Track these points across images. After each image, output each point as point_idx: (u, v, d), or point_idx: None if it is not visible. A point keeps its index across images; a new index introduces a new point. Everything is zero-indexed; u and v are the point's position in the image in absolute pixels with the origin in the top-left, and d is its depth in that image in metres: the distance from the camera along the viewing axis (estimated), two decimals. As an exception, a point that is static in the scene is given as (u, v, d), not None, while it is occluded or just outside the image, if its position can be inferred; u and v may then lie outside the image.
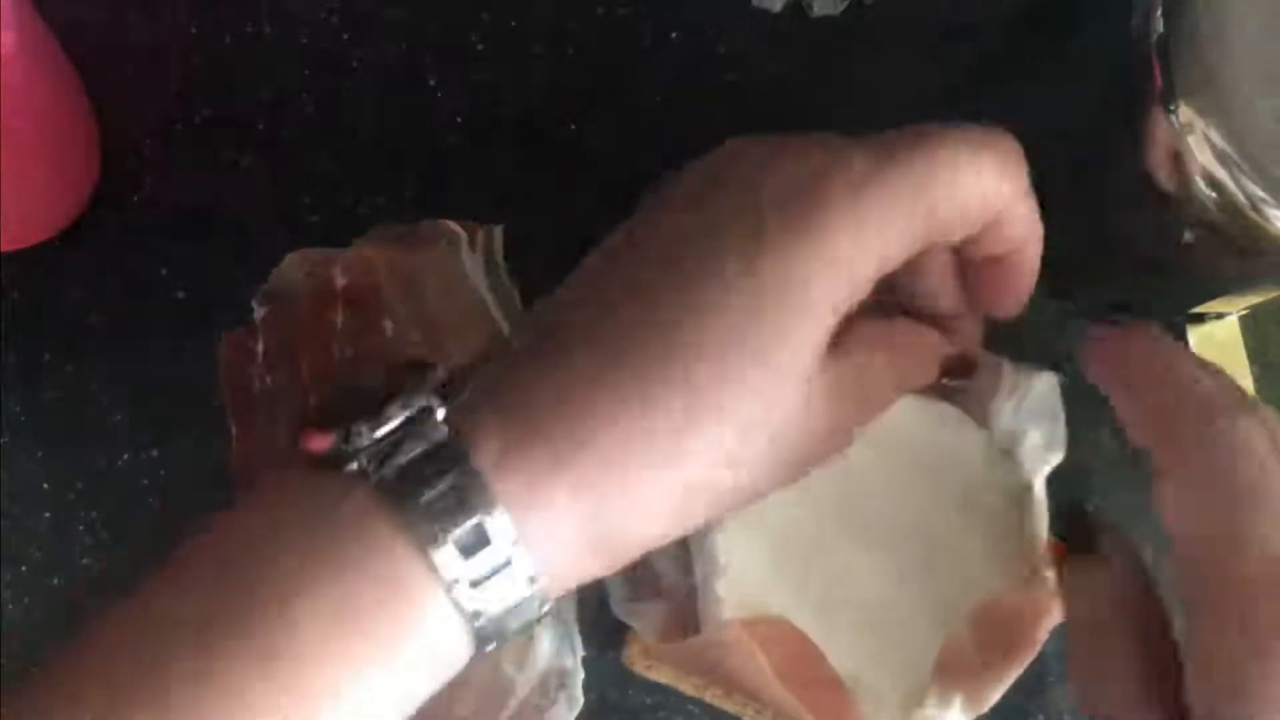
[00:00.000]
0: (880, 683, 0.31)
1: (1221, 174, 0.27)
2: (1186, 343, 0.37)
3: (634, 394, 0.23)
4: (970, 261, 0.28)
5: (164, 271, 0.40)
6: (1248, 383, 0.36)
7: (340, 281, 0.35)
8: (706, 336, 0.24)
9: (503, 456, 0.23)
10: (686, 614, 0.32)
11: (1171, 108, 0.27)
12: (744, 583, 0.31)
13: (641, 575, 0.34)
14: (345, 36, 0.39)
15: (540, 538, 0.23)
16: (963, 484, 0.32)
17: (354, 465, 0.23)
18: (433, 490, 0.22)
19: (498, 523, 0.23)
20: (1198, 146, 0.27)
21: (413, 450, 0.23)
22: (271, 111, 0.39)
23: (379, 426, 0.23)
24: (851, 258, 0.24)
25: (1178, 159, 0.27)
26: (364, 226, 0.37)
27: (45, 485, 0.40)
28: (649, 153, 0.39)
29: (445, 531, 0.22)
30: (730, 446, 0.24)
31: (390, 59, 0.39)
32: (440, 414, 0.23)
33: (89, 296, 0.40)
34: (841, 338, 0.25)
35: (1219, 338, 0.36)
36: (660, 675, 0.34)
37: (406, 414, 0.23)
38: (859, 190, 0.24)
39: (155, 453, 0.39)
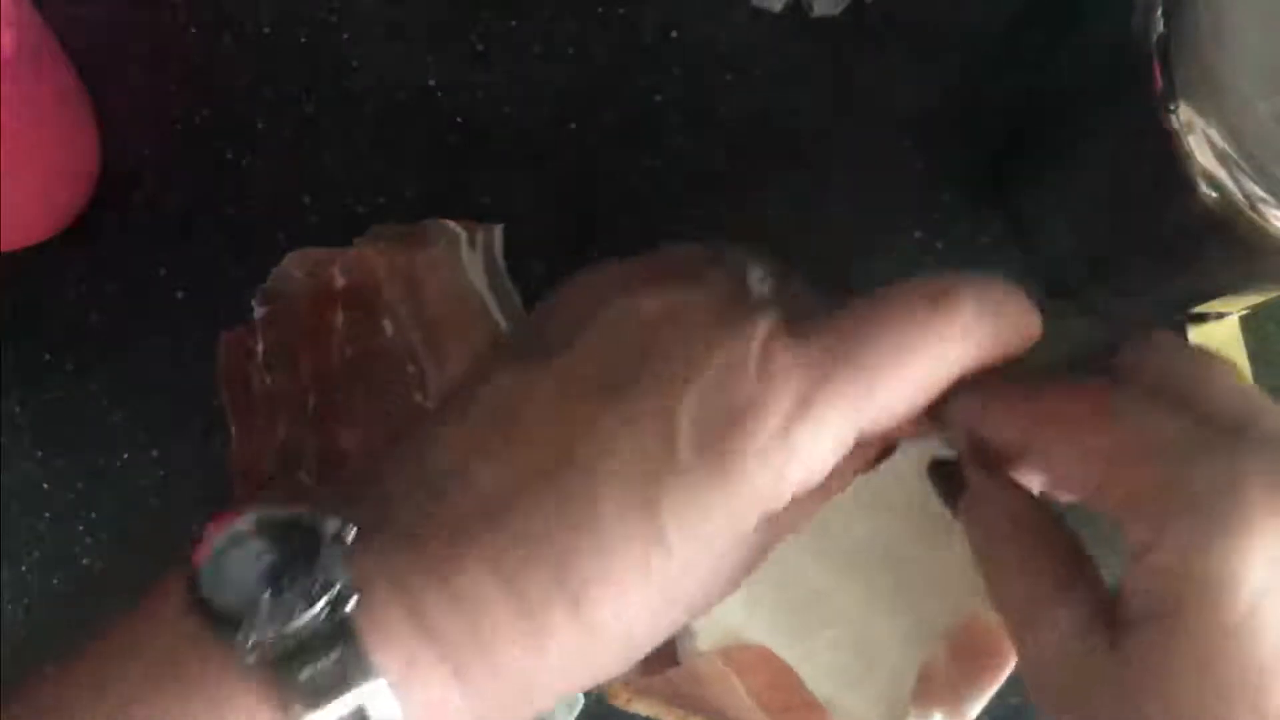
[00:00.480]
0: (859, 705, 0.31)
1: (1221, 174, 0.27)
2: (1186, 343, 0.37)
3: (523, 627, 0.22)
4: None
5: (164, 271, 0.40)
6: (1247, 382, 0.36)
7: (340, 281, 0.35)
8: (598, 558, 0.22)
9: (408, 670, 0.21)
10: (665, 647, 0.32)
11: (1171, 108, 0.27)
12: (719, 612, 0.30)
13: None
14: (345, 36, 0.39)
15: None
16: (934, 505, 0.32)
17: (240, 638, 0.21)
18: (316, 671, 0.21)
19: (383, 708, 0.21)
20: (1198, 146, 0.27)
21: (313, 655, 0.21)
22: (271, 111, 0.39)
23: (280, 619, 0.21)
24: (775, 494, 0.23)
25: (1178, 159, 0.27)
26: (364, 226, 0.37)
27: (45, 485, 0.40)
28: (649, 153, 0.39)
29: (319, 708, 0.21)
30: (604, 672, 0.24)
31: (390, 59, 0.39)
32: (351, 604, 0.21)
33: (89, 296, 0.40)
34: None
35: (1219, 338, 0.36)
36: (642, 708, 0.34)
37: (311, 612, 0.21)
38: (788, 427, 0.22)
39: (155, 453, 0.39)
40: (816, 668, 0.31)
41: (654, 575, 0.23)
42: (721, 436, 0.22)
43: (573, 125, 0.39)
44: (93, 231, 0.40)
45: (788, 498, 0.23)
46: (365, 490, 0.24)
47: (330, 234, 0.38)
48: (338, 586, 0.21)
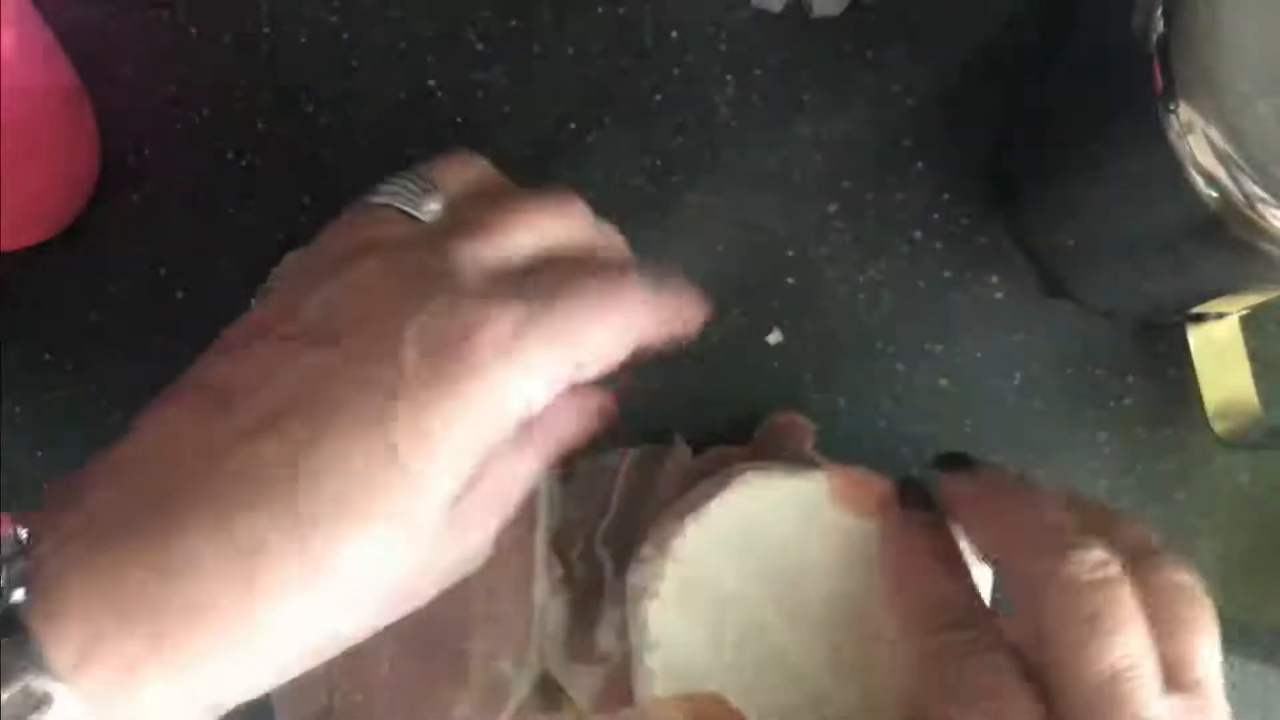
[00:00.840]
0: None
1: (1221, 174, 0.27)
2: (1186, 343, 0.37)
3: (238, 571, 0.23)
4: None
5: (164, 271, 0.40)
6: (1247, 382, 0.36)
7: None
8: (324, 493, 0.23)
9: (89, 647, 0.22)
10: (624, 682, 0.32)
11: (1171, 108, 0.27)
12: (679, 658, 0.30)
13: (584, 641, 0.34)
14: (345, 36, 0.39)
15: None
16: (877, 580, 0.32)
17: None
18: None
19: (64, 703, 0.21)
20: (1198, 146, 0.27)
21: None
22: (271, 111, 0.39)
23: None
24: (494, 413, 0.25)
25: (1178, 159, 0.27)
26: (364, 226, 0.37)
27: (45, 485, 0.40)
28: (649, 153, 0.39)
29: None
30: (348, 613, 0.24)
31: (390, 59, 0.39)
32: (17, 595, 0.22)
33: (89, 296, 0.40)
34: None
35: (1219, 338, 0.36)
36: None
37: None
38: (508, 353, 0.25)
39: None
40: None
41: (395, 501, 0.24)
42: (447, 355, 0.24)
43: (573, 125, 0.39)
44: (93, 231, 0.40)
45: (513, 420, 0.25)
46: (83, 486, 0.25)
47: (330, 234, 0.38)
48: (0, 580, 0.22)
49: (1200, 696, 0.25)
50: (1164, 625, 0.26)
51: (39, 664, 0.21)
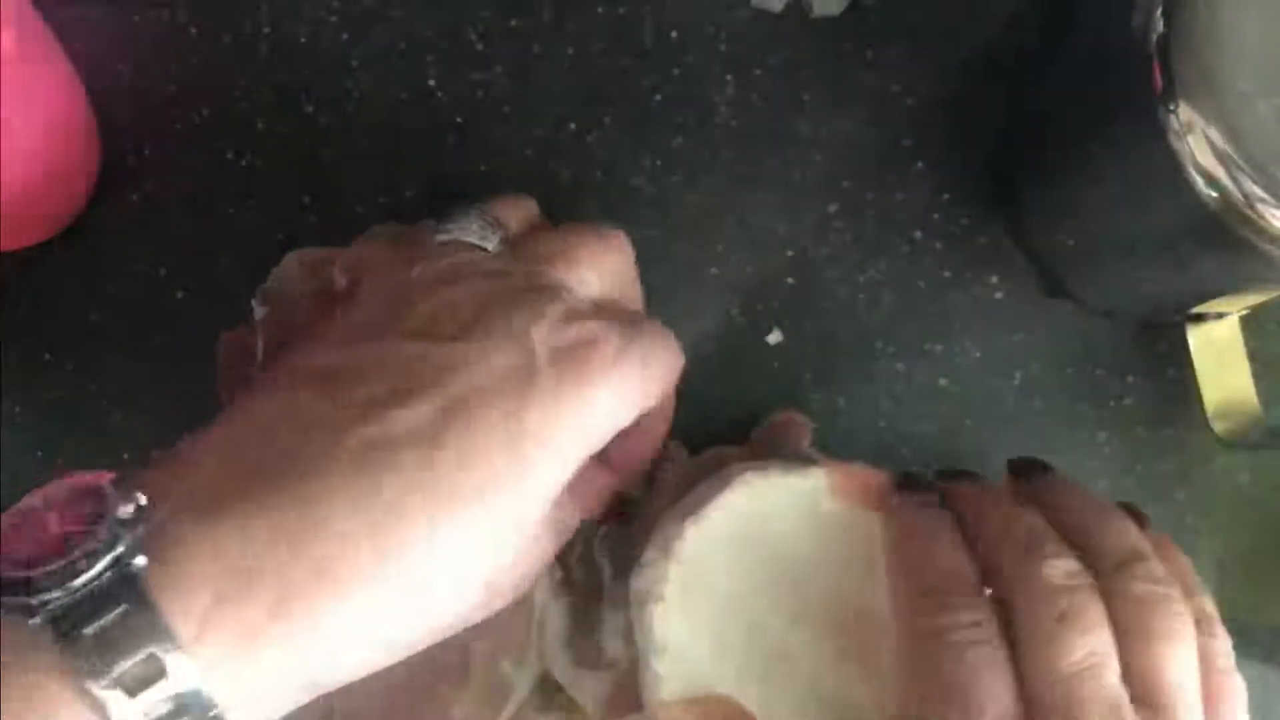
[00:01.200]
0: None
1: (1221, 174, 0.27)
2: (1186, 343, 0.37)
3: (365, 535, 0.23)
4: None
5: (164, 271, 0.40)
6: (1247, 382, 0.36)
7: (340, 281, 0.35)
8: (453, 470, 0.24)
9: (209, 614, 0.22)
10: (631, 688, 0.32)
11: (1171, 108, 0.27)
12: (686, 661, 0.30)
13: (586, 645, 0.34)
14: (345, 36, 0.39)
15: (242, 691, 0.22)
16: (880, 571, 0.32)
17: (37, 620, 0.21)
18: (122, 658, 0.21)
19: (183, 673, 0.21)
20: (1198, 146, 0.27)
21: (105, 612, 0.21)
22: (271, 111, 0.39)
23: (67, 578, 0.21)
24: (601, 422, 0.27)
25: (1178, 159, 0.27)
26: (364, 226, 0.37)
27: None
28: (649, 153, 0.39)
29: (109, 669, 0.21)
30: (454, 595, 0.25)
31: (390, 59, 0.39)
32: (139, 561, 0.22)
33: (89, 296, 0.40)
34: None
35: (1219, 338, 0.36)
36: None
37: (93, 570, 0.21)
38: (613, 370, 0.27)
39: (155, 453, 0.39)
40: None
41: (517, 485, 0.25)
42: (573, 360, 0.26)
43: (572, 125, 0.39)
44: (93, 231, 0.40)
45: (608, 432, 0.27)
46: (189, 458, 0.25)
47: (330, 234, 0.38)
48: (121, 546, 0.22)
49: (1164, 710, 0.26)
50: (1131, 636, 0.27)
51: (162, 634, 0.21)
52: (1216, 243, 0.28)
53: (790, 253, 0.39)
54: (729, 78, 0.39)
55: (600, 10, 0.39)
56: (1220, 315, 0.36)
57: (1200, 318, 0.36)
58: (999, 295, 0.38)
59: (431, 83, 0.39)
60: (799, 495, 0.31)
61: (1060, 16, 0.37)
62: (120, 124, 0.40)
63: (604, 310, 0.29)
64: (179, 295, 0.40)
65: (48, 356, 0.40)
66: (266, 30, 0.40)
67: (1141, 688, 0.26)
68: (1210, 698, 0.27)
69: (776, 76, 0.39)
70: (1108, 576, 0.27)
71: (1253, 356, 0.36)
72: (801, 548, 0.31)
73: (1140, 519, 0.31)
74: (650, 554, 0.31)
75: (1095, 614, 0.26)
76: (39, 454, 0.40)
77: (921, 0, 0.38)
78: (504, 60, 0.39)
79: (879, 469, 0.31)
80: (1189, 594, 0.28)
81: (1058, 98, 0.35)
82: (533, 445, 0.25)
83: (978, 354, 0.39)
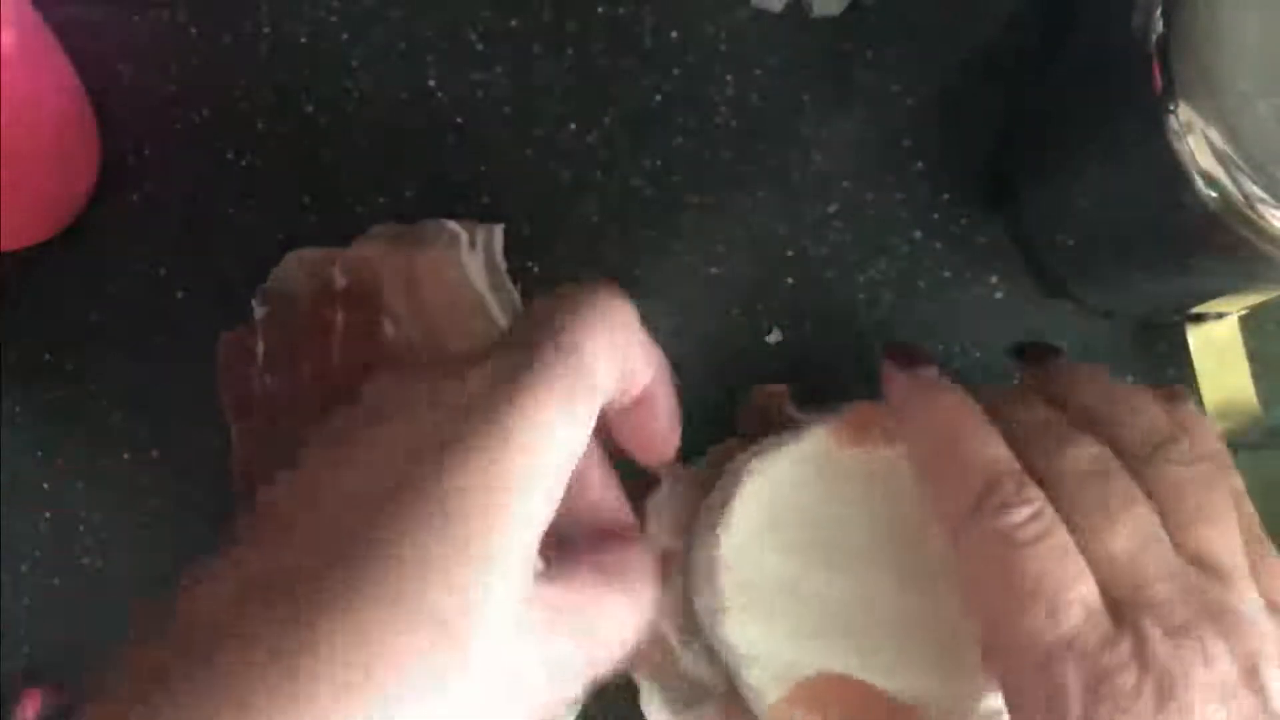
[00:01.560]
0: (936, 689, 0.30)
1: (1221, 174, 0.27)
2: (1186, 343, 0.37)
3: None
4: (617, 422, 0.27)
5: (164, 271, 0.40)
6: (1247, 383, 0.36)
7: (340, 281, 0.35)
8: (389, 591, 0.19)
9: None
10: (737, 704, 0.32)
11: (1171, 108, 0.27)
12: (772, 658, 0.30)
13: (674, 683, 0.34)
14: (345, 36, 0.39)
15: None
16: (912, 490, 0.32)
17: None
18: None
19: None
20: (1198, 146, 0.27)
21: None
22: (271, 111, 0.39)
23: None
24: (547, 445, 0.22)
25: (1178, 159, 0.27)
26: (364, 226, 0.38)
27: (45, 485, 0.40)
28: (649, 153, 0.39)
29: None
30: None
31: (390, 59, 0.39)
32: None
33: (89, 296, 0.40)
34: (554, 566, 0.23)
35: (1219, 338, 0.36)
36: None
37: None
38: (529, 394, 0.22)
39: (155, 453, 0.39)
40: (882, 672, 0.30)
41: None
42: (484, 409, 0.22)
43: (573, 125, 0.39)
44: (93, 231, 0.40)
45: (601, 386, 0.23)
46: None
47: (330, 234, 0.38)
48: None
49: (1218, 578, 0.25)
50: (1173, 520, 0.26)
51: None
52: (1216, 243, 0.28)
53: (790, 253, 0.39)
54: (729, 78, 0.39)
55: (600, 10, 0.39)
56: (1220, 315, 0.36)
57: (1200, 318, 0.36)
58: (999, 295, 0.38)
59: (431, 83, 0.39)
60: (808, 461, 0.31)
61: (1060, 16, 0.37)
62: (120, 124, 0.40)
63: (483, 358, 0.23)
64: (179, 295, 0.40)
65: (48, 356, 0.40)
66: (266, 30, 0.40)
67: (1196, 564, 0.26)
68: (1252, 567, 0.26)
69: (776, 76, 0.39)
70: (1140, 463, 0.27)
71: (1253, 356, 0.36)
72: (830, 507, 0.31)
73: (1172, 395, 0.30)
74: (700, 573, 0.31)
75: (1134, 491, 0.26)
76: (39, 454, 0.40)
77: (921, 0, 0.38)
78: (504, 60, 0.39)
79: (870, 401, 0.31)
80: (1222, 469, 0.28)
81: (1058, 98, 0.35)
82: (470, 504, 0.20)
83: (978, 354, 0.38)
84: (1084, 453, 0.27)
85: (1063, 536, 0.25)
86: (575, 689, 0.23)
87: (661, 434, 0.28)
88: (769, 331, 0.39)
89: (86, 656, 0.39)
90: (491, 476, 0.21)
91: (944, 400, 0.29)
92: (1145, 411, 0.28)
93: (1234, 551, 0.26)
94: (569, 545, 0.25)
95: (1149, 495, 0.26)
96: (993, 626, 0.26)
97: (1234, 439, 0.36)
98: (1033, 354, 0.32)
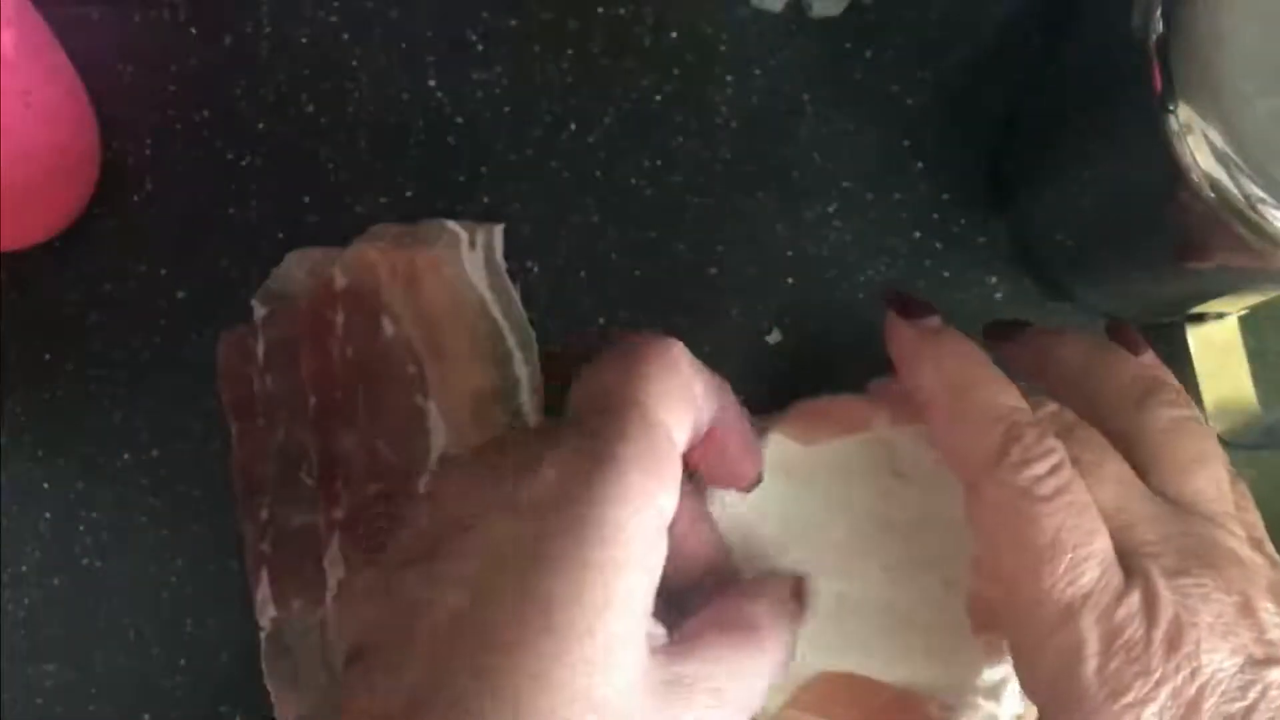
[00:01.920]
0: (936, 672, 0.30)
1: (1221, 174, 0.27)
2: (1186, 343, 0.37)
3: None
4: (693, 459, 0.27)
5: (164, 271, 0.40)
6: (1247, 382, 0.36)
7: (340, 281, 0.35)
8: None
9: None
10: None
11: (1171, 108, 0.27)
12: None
13: None
14: (345, 36, 0.39)
15: None
16: (899, 465, 0.31)
17: None
18: None
19: None
20: (1197, 146, 0.27)
21: None
22: (271, 111, 0.39)
23: None
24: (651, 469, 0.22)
25: (1177, 159, 0.27)
26: (364, 226, 0.37)
27: (45, 485, 0.40)
28: (649, 153, 0.39)
29: None
30: None
31: (390, 59, 0.39)
32: None
33: (89, 296, 0.40)
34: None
35: (1219, 338, 0.36)
36: None
37: None
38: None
39: (155, 453, 0.39)
40: (882, 664, 0.30)
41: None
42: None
43: (573, 125, 0.39)
44: (93, 231, 0.40)
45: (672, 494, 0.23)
46: None
47: (330, 234, 0.38)
48: None
49: (1208, 517, 0.26)
50: (1164, 465, 0.26)
51: None
52: (1216, 243, 0.28)
53: (790, 253, 0.39)
54: (729, 78, 0.39)
55: (600, 10, 0.39)
56: (1220, 315, 0.36)
57: (1200, 318, 0.36)
58: (999, 295, 0.38)
59: (431, 83, 0.39)
60: (776, 466, 0.31)
61: (1060, 16, 0.37)
62: (120, 124, 0.40)
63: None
64: (179, 295, 0.40)
65: (48, 356, 0.40)
66: (266, 30, 0.40)
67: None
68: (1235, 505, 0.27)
69: (776, 76, 0.39)
70: (1130, 414, 0.26)
71: (1252, 356, 0.36)
72: (806, 508, 0.31)
73: (1132, 344, 0.29)
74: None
75: (1103, 441, 0.26)
76: (39, 454, 0.40)
77: (921, 0, 0.38)
78: (504, 60, 0.39)
79: (824, 395, 0.31)
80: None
81: (1058, 98, 0.35)
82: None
83: (978, 354, 0.38)
84: (1043, 411, 0.26)
85: (1081, 491, 0.25)
86: None
87: (738, 458, 0.28)
88: (769, 331, 0.39)
89: (86, 657, 0.39)
90: (590, 574, 0.21)
91: (955, 348, 0.28)
92: (1127, 360, 0.28)
93: (1225, 491, 0.26)
94: (687, 604, 0.25)
95: (1139, 446, 0.26)
96: (1010, 582, 0.25)
97: (1234, 439, 0.36)
98: (992, 332, 0.31)
